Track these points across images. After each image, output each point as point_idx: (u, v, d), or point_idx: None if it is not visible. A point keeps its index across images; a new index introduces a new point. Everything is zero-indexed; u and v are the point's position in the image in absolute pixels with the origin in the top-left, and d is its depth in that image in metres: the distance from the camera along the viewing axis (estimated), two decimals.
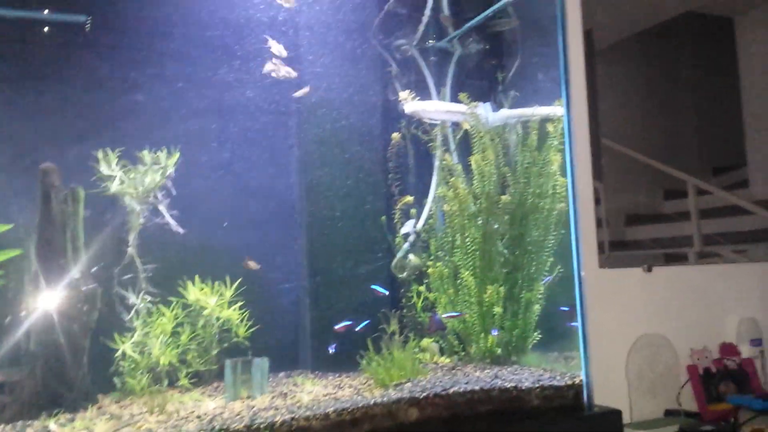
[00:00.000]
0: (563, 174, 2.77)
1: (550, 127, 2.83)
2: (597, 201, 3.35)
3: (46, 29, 2.62)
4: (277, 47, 2.78)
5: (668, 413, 3.14)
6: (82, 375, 2.29)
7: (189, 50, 2.76)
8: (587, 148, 3.29)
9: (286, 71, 2.78)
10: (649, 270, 3.38)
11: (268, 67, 2.76)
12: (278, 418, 2.01)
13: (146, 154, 2.61)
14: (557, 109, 2.76)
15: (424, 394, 2.25)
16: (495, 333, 2.77)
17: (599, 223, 3.33)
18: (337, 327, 2.61)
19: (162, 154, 2.63)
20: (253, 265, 2.78)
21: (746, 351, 3.42)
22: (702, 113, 4.24)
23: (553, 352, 2.89)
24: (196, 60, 2.79)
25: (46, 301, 2.23)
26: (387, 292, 2.73)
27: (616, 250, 3.50)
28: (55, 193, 2.30)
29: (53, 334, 2.22)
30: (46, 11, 2.61)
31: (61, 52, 2.64)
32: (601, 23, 3.43)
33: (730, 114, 4.29)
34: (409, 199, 3.04)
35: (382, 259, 3.01)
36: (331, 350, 2.73)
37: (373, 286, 2.74)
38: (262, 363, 2.40)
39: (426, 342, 2.95)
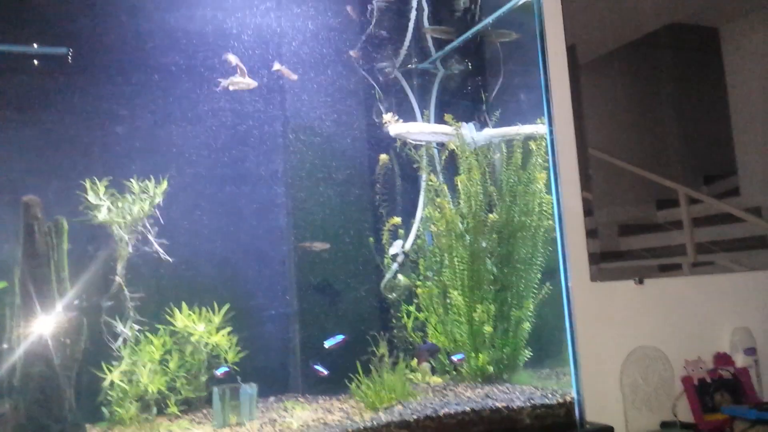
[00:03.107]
0: (549, 191, 2.77)
1: (533, 145, 2.84)
2: (588, 212, 3.35)
3: (27, 61, 2.63)
4: (234, 59, 2.76)
5: (664, 425, 3.13)
6: (69, 406, 2.28)
7: (171, 79, 2.76)
8: (575, 162, 3.29)
9: (245, 83, 2.78)
10: (641, 282, 3.38)
11: (226, 82, 2.76)
12: None
13: (134, 183, 2.61)
14: (541, 127, 2.77)
15: (415, 416, 2.24)
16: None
17: (592, 234, 3.33)
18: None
19: (150, 183, 2.63)
20: (319, 246, 2.79)
21: (740, 360, 3.40)
22: (691, 122, 4.25)
23: (545, 368, 2.88)
24: (178, 87, 2.80)
25: (31, 334, 2.22)
26: (326, 372, 2.69)
27: (611, 260, 3.49)
28: (38, 225, 2.29)
29: (38, 366, 2.21)
30: (35, 45, 2.62)
31: (41, 84, 2.65)
32: (584, 38, 3.45)
33: (719, 122, 4.30)
34: (397, 220, 3.04)
35: (371, 281, 3.00)
36: (323, 371, 2.71)
37: (315, 366, 2.71)
38: (250, 389, 2.39)
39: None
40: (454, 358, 2.78)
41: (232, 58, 2.77)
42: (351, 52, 3.03)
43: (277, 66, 2.85)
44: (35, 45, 2.65)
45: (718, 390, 3.24)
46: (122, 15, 2.75)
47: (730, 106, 4.19)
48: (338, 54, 3.03)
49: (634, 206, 3.97)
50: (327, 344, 2.65)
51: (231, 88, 2.78)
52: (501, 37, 3.15)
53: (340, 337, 2.66)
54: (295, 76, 2.87)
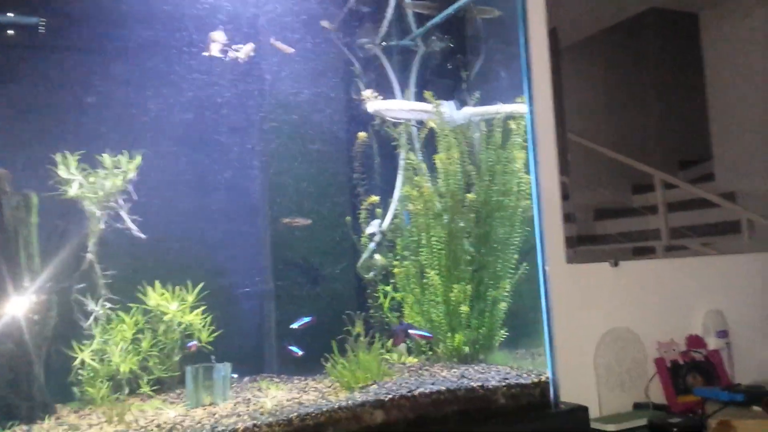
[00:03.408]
0: (527, 171, 2.76)
1: (512, 125, 2.82)
2: (565, 196, 3.36)
3: None
4: (220, 35, 2.70)
5: (637, 406, 3.17)
6: (38, 385, 2.24)
7: (144, 49, 2.70)
8: (553, 144, 3.30)
9: (245, 51, 2.71)
10: (616, 264, 3.40)
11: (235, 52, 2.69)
12: (240, 426, 1.98)
13: (107, 158, 2.54)
14: (521, 107, 2.75)
15: (390, 396, 2.23)
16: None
17: (568, 218, 3.34)
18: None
19: (123, 158, 2.57)
20: (301, 221, 2.75)
21: (713, 343, 3.45)
22: (668, 108, 4.27)
23: (520, 349, 2.89)
24: (152, 59, 2.73)
25: None
26: (301, 353, 2.67)
27: (586, 244, 3.50)
28: (6, 199, 2.23)
29: (7, 344, 2.17)
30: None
31: (11, 54, 2.57)
32: (565, 21, 3.44)
33: (696, 108, 4.33)
34: (375, 198, 3.02)
35: (348, 260, 2.98)
36: (297, 352, 2.69)
37: (290, 347, 2.69)
38: (224, 369, 2.37)
39: None
40: (416, 332, 2.76)
41: (219, 36, 2.70)
42: (324, 23, 2.97)
43: (272, 41, 2.78)
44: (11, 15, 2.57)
45: (691, 372, 3.28)
46: None
47: (707, 92, 4.23)
48: (317, 28, 2.99)
49: (610, 191, 3.99)
50: (295, 325, 2.63)
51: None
52: (482, 14, 3.12)
53: (306, 319, 2.64)
54: (290, 50, 2.81)
